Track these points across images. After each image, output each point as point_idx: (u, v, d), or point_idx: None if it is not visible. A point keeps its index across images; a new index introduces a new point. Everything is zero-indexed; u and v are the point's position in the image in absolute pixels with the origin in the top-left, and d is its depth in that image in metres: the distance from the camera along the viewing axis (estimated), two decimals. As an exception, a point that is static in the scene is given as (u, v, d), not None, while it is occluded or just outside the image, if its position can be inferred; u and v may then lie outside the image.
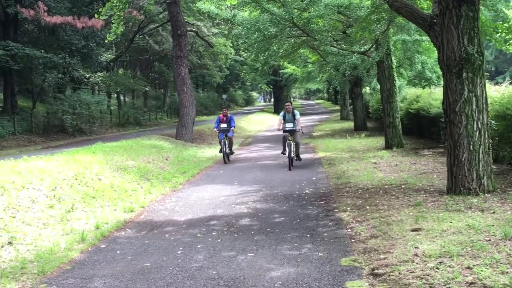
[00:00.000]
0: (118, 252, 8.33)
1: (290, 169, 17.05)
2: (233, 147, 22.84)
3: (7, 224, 9.13)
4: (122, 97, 59.62)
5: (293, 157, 17.56)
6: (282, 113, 18.29)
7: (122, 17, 30.71)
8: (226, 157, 20.61)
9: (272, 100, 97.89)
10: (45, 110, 40.21)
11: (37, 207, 10.30)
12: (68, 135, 37.21)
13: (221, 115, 21.14)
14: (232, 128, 20.85)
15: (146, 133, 33.68)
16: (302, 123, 21.80)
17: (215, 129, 21.13)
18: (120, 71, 60.63)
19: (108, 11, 29.60)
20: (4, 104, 37.10)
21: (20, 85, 42.26)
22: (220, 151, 20.78)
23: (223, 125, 20.71)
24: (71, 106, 38.03)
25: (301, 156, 18.55)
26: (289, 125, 17.74)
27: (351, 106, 39.82)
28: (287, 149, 17.54)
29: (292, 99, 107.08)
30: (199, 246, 8.34)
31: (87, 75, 45.29)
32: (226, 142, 20.59)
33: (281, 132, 18.32)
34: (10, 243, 8.52)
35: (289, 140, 17.51)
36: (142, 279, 6.88)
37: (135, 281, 6.81)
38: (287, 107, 18.18)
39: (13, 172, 11.65)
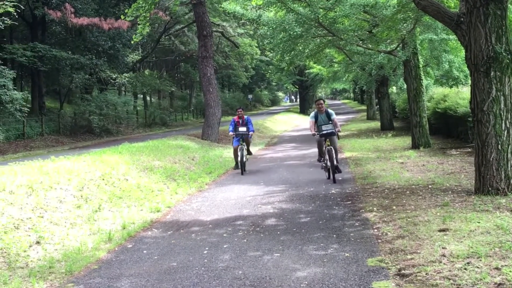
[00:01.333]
0: (144, 252, 8.38)
1: (334, 182, 14.24)
2: (256, 149, 22.80)
3: (35, 224, 9.22)
4: (148, 98, 59.97)
5: (335, 166, 14.47)
6: (313, 113, 15.39)
7: (148, 18, 30.88)
8: (243, 167, 17.65)
9: (298, 100, 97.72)
10: (72, 111, 40.60)
11: (64, 207, 10.40)
12: (95, 135, 37.52)
13: (235, 117, 18.33)
14: (251, 132, 18.21)
15: (172, 134, 33.83)
16: None
17: (230, 132, 18.11)
18: (146, 71, 60.98)
19: (134, 12, 29.79)
20: (32, 105, 37.52)
21: (48, 86, 42.71)
22: (236, 167, 18.20)
23: (242, 129, 17.88)
24: (98, 106, 38.34)
25: None
26: (326, 128, 14.79)
27: (378, 106, 39.60)
28: (326, 156, 14.65)
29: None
30: (225, 246, 8.35)
31: (114, 76, 45.65)
32: (244, 149, 17.80)
33: (315, 137, 15.26)
34: (38, 242, 8.60)
35: (327, 145, 14.65)
36: (168, 278, 6.91)
37: (161, 281, 6.83)
38: (320, 106, 15.12)
39: (41, 172, 11.77)
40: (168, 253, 8.21)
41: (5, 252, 7.79)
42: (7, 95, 27.63)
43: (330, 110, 15.26)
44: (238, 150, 17.68)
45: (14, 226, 8.87)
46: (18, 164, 13.44)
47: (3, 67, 28.67)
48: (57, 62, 36.63)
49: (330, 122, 14.94)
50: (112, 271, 7.45)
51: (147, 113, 50.19)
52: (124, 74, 48.53)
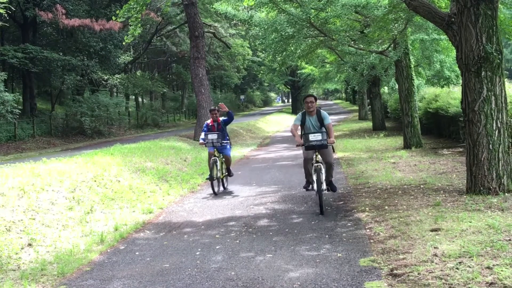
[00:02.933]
0: (137, 253, 8.38)
1: (322, 213, 10.23)
2: (248, 149, 22.57)
3: (27, 226, 9.22)
4: (140, 99, 59.91)
5: (324, 189, 10.60)
6: (299, 114, 11.27)
7: (139, 19, 30.80)
8: (218, 185, 14.04)
9: (290, 100, 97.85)
10: (64, 112, 40.52)
11: (56, 209, 10.39)
12: (87, 137, 37.45)
13: (209, 121, 14.55)
14: (227, 141, 14.35)
15: (164, 135, 33.82)
16: None
17: (201, 140, 14.24)
18: (138, 73, 60.92)
19: (125, 13, 29.71)
20: (24, 106, 37.44)
21: (39, 87, 42.63)
22: (210, 178, 13.71)
23: (212, 136, 13.88)
24: (89, 108, 38.27)
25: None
26: (314, 137, 10.53)
27: (369, 106, 39.72)
28: (314, 178, 10.59)
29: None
30: (217, 247, 8.36)
31: (105, 77, 45.60)
32: (218, 162, 13.87)
33: (302, 150, 11.20)
34: (30, 244, 8.59)
35: (317, 162, 10.64)
36: (161, 280, 6.91)
37: (154, 282, 6.84)
38: (309, 104, 10.95)
39: (32, 174, 11.76)
40: (161, 254, 8.21)
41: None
42: (-2, 96, 27.61)
43: (324, 112, 11.07)
44: (211, 161, 13.85)
45: (6, 228, 8.86)
46: (9, 166, 13.44)
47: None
48: (49, 63, 36.53)
49: (323, 128, 10.88)
50: (104, 273, 7.45)
51: (139, 114, 50.15)
52: (116, 75, 48.48)
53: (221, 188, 14.34)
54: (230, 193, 13.85)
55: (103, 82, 46.61)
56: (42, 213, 9.96)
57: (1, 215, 9.23)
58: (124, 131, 43.82)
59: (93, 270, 7.60)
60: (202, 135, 14.15)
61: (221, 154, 14.21)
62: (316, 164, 10.61)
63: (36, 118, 36.08)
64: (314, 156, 10.74)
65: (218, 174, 13.90)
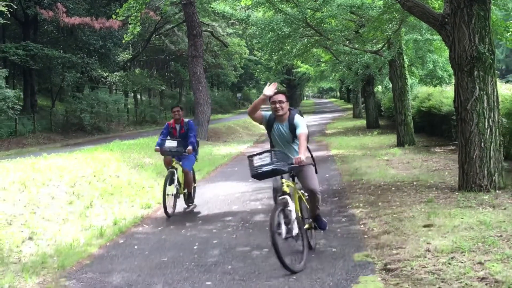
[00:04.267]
0: (136, 247, 8.52)
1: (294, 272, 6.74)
2: (245, 146, 22.21)
3: (28, 220, 9.35)
4: (139, 96, 59.94)
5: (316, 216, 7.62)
6: (267, 114, 7.66)
7: (139, 18, 30.92)
8: (174, 204, 11.09)
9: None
10: (64, 109, 40.55)
11: (56, 203, 10.53)
12: (87, 133, 37.48)
13: (170, 121, 11.81)
14: (189, 149, 11.13)
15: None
16: (315, 122, 19.67)
17: (156, 146, 11.44)
18: (137, 70, 60.92)
19: (125, 12, 29.83)
20: (24, 103, 37.53)
21: (40, 84, 42.69)
22: (163, 199, 10.67)
23: (170, 143, 11.14)
24: (89, 105, 38.30)
25: (315, 154, 15.60)
26: (261, 161, 7.14)
27: (364, 105, 39.84)
28: (282, 228, 6.81)
29: (305, 98, 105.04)
30: (214, 242, 8.50)
31: (105, 75, 45.67)
32: (175, 175, 11.15)
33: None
34: (31, 238, 8.71)
35: (283, 194, 7.02)
36: (159, 273, 7.05)
37: (152, 276, 6.98)
38: (278, 106, 7.40)
39: (33, 169, 11.91)
40: (159, 248, 8.35)
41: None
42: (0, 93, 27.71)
43: (298, 117, 7.47)
44: (168, 174, 11.08)
45: (7, 222, 8.99)
46: (10, 161, 13.57)
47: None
48: (49, 60, 36.64)
49: (294, 139, 7.46)
50: (103, 266, 7.58)
51: (137, 111, 50.15)
52: (115, 73, 48.53)
53: (178, 207, 11.38)
54: (226, 189, 13.85)
55: (102, 79, 46.68)
56: (42, 207, 10.10)
57: (3, 209, 9.36)
58: (123, 127, 43.84)
59: (92, 263, 7.73)
60: (158, 140, 11.41)
61: (179, 165, 11.36)
62: (281, 197, 6.96)
63: (37, 115, 36.14)
64: (283, 184, 7.05)
65: (174, 191, 10.97)
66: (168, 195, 10.73)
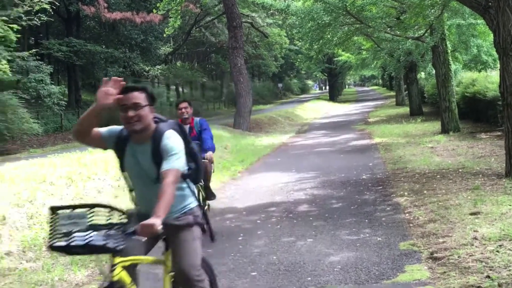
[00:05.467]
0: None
1: None
2: (287, 136, 22.21)
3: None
4: (180, 89, 60.36)
5: None
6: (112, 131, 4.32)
7: (179, 11, 31.17)
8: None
9: (327, 87, 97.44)
10: (107, 103, 41.16)
11: (102, 197, 10.66)
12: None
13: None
14: (209, 154, 8.74)
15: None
16: (357, 111, 20.59)
17: None
18: (178, 63, 61.36)
19: (165, 6, 30.09)
20: (69, 98, 38.18)
21: (83, 79, 43.37)
22: None
23: None
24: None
25: (358, 142, 16.81)
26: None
27: (406, 92, 39.41)
28: None
29: (347, 86, 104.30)
30: (259, 232, 8.53)
31: (147, 69, 46.14)
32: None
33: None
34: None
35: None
36: (206, 264, 7.11)
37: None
38: (130, 113, 4.07)
39: (79, 164, 12.08)
40: (204, 240, 8.37)
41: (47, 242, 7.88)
42: (45, 89, 28.31)
43: (171, 134, 4.08)
44: None
45: (56, 216, 9.13)
46: (57, 156, 13.81)
47: (40, 62, 29.32)
48: (92, 56, 37.25)
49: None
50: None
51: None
52: (157, 66, 48.99)
53: (216, 202, 10.10)
54: (269, 179, 13.80)
55: (144, 73, 47.17)
56: (89, 201, 10.25)
57: (51, 203, 9.54)
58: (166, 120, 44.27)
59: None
60: None
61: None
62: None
63: (81, 110, 36.69)
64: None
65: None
66: None
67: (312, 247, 7.42)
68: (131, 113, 3.99)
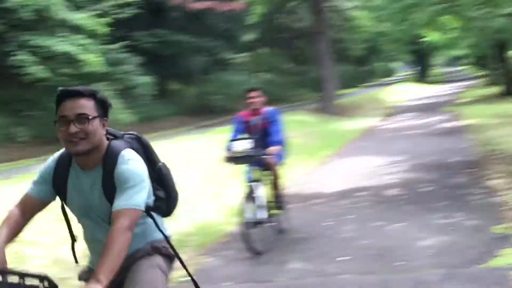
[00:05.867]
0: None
1: None
2: (375, 120, 22.05)
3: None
4: (264, 76, 60.63)
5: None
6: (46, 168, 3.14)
7: (263, -2, 31.34)
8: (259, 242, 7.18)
9: (414, 69, 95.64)
10: (193, 92, 41.89)
11: (193, 184, 10.88)
12: (216, 114, 38.47)
13: (243, 112, 8.06)
14: (272, 149, 7.36)
15: (290, 109, 34.17)
16: (445, 92, 20.25)
17: (227, 152, 7.50)
18: (262, 50, 61.61)
19: (250, -7, 30.34)
20: (157, 88, 39.16)
21: (170, 69, 44.24)
22: (242, 233, 7.12)
23: (242, 144, 7.30)
24: (217, 87, 39.30)
25: (448, 124, 16.66)
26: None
27: (499, 71, 38.18)
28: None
29: (434, 67, 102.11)
30: (349, 217, 8.51)
31: (231, 57, 46.62)
32: (259, 191, 7.41)
33: None
34: (170, 219, 9.07)
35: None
36: (297, 249, 7.18)
37: (292, 252, 7.11)
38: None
39: (168, 153, 12.38)
40: (295, 225, 8.43)
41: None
42: (134, 80, 29.18)
43: (131, 154, 3.02)
44: (247, 190, 7.43)
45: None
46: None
47: (129, 54, 30.16)
48: (178, 46, 37.99)
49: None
50: (241, 244, 7.55)
51: (264, 90, 50.85)
52: (241, 54, 49.43)
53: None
54: (358, 163, 13.70)
55: (229, 61, 47.68)
56: (181, 189, 10.47)
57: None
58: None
59: (230, 241, 7.91)
60: (228, 142, 7.56)
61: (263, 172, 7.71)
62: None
63: (168, 99, 37.64)
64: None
65: (260, 214, 7.27)
66: (248, 223, 7.09)
67: (403, 231, 7.37)
68: (73, 128, 2.83)
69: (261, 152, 7.27)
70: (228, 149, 7.45)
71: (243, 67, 54.43)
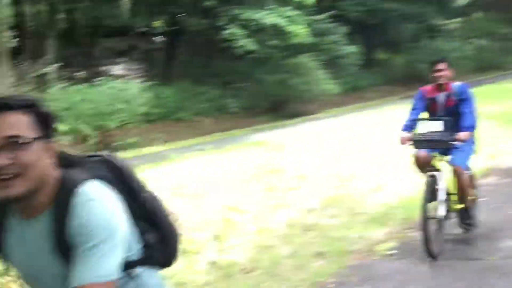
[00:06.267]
0: (483, 199, 8.16)
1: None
2: None
3: (372, 174, 9.80)
4: (479, 42, 57.91)
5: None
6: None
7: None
8: (439, 236, 6.28)
9: None
10: (401, 61, 41.13)
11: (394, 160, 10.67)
12: (425, 84, 37.52)
13: (426, 87, 7.05)
14: (461, 135, 6.12)
15: (503, 78, 32.57)
16: None
17: (402, 134, 6.54)
18: (477, 14, 58.83)
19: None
20: (364, 58, 39.13)
21: (377, 38, 43.90)
22: (422, 222, 6.08)
23: (430, 126, 6.34)
24: (427, 55, 38.19)
25: None
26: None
27: None
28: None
29: None
30: None
31: (442, 23, 45.13)
32: (441, 182, 6.31)
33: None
34: (375, 191, 9.03)
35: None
36: (507, 227, 6.85)
37: (501, 230, 6.81)
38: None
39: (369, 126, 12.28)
40: (507, 201, 7.98)
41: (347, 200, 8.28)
42: (341, 50, 29.50)
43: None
44: (427, 173, 6.43)
45: (351, 177, 9.46)
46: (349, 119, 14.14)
47: (336, 24, 30.35)
48: (385, 14, 37.52)
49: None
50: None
51: (477, 57, 48.64)
52: (453, 20, 47.67)
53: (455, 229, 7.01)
54: None
55: (440, 28, 46.22)
56: (382, 163, 10.37)
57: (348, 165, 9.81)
58: (461, 75, 42.97)
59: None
60: (407, 122, 6.70)
61: (448, 163, 6.57)
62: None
63: (375, 68, 37.32)
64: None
65: (440, 211, 6.33)
66: (429, 218, 6.19)
67: None
68: (1, 159, 1.78)
69: (449, 137, 6.13)
70: (405, 129, 6.58)
71: (454, 33, 52.48)
